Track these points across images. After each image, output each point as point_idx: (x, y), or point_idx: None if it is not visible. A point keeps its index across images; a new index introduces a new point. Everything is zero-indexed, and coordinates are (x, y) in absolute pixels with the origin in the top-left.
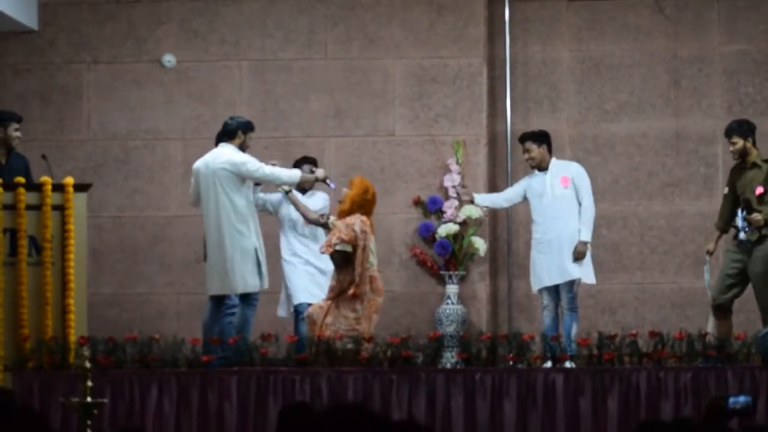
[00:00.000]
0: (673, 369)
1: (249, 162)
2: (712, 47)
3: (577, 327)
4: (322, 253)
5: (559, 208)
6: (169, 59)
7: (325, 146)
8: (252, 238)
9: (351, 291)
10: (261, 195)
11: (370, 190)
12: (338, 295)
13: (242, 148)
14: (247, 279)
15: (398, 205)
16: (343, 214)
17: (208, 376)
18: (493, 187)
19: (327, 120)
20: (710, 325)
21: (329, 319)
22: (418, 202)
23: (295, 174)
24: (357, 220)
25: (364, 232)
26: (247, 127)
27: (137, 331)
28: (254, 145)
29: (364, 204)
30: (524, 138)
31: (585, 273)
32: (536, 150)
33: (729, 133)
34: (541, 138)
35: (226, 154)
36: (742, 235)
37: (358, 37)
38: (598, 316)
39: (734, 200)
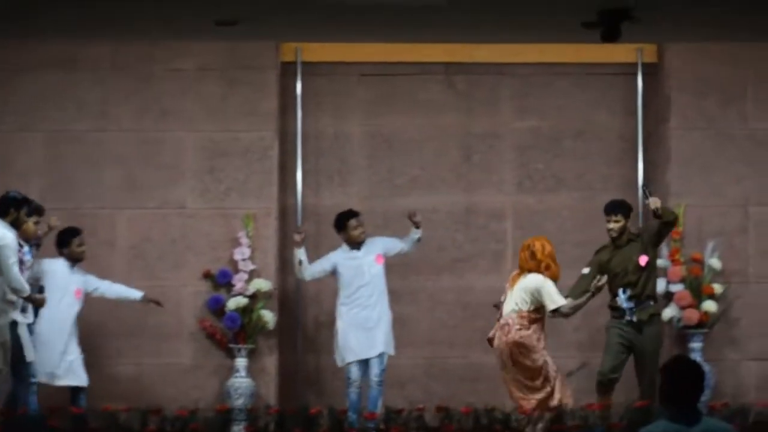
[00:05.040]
0: None
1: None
2: (503, 123)
3: (382, 399)
4: None
5: (377, 285)
6: None
7: (117, 218)
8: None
9: None
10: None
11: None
12: None
13: (16, 224)
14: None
15: (188, 277)
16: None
17: None
18: (283, 260)
19: (119, 191)
20: None
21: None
22: (208, 275)
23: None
24: None
25: None
26: (20, 203)
27: None
28: (47, 217)
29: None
30: (354, 215)
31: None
32: (363, 226)
33: (614, 210)
34: None
35: None
36: (630, 316)
37: (152, 109)
38: (386, 390)
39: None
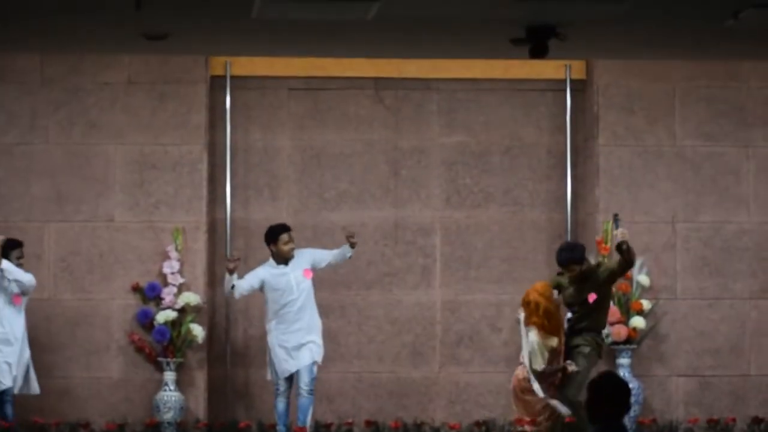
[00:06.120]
0: None
1: None
2: (431, 138)
3: (312, 411)
4: None
5: (306, 299)
6: None
7: (45, 230)
8: None
9: None
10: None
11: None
12: None
13: None
14: None
15: (117, 290)
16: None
17: None
18: (212, 274)
19: (47, 204)
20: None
21: None
22: (136, 289)
23: None
24: None
25: None
26: None
27: None
28: None
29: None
30: (286, 229)
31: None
32: (294, 242)
33: (566, 264)
34: None
35: None
36: None
37: (80, 122)
38: (315, 405)
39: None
